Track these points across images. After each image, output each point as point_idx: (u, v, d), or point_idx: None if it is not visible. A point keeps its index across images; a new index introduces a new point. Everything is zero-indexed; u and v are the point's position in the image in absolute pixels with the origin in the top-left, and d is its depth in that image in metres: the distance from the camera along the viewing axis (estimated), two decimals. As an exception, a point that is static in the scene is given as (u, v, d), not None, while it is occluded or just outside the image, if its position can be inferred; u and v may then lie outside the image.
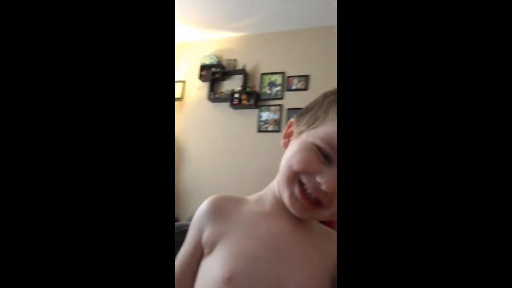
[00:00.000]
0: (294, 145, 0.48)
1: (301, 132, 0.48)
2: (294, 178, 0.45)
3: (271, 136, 2.88)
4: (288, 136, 0.52)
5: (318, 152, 0.44)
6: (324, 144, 0.43)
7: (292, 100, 2.90)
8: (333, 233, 0.56)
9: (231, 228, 0.47)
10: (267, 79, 3.03)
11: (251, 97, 2.94)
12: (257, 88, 3.03)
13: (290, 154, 0.47)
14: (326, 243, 0.51)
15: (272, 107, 2.94)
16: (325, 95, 0.49)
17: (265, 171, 2.68)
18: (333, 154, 0.43)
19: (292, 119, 0.52)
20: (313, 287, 0.44)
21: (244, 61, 3.12)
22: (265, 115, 2.94)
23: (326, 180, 0.42)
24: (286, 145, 0.51)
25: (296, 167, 0.45)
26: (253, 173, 2.82)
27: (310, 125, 0.47)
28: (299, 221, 0.49)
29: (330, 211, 0.45)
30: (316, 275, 0.45)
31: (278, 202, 0.49)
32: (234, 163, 2.96)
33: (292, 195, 0.46)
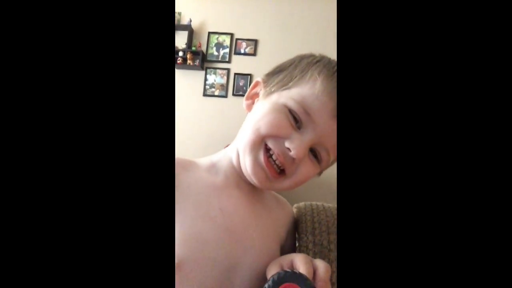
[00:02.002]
0: (263, 106, 0.44)
1: (271, 93, 0.45)
2: (260, 143, 0.43)
3: (217, 101, 2.79)
4: (252, 97, 0.49)
5: (289, 115, 0.42)
6: (297, 106, 0.41)
7: (240, 64, 2.81)
8: (285, 202, 0.58)
9: (180, 202, 0.41)
10: (215, 39, 2.86)
11: (197, 57, 2.77)
12: (203, 48, 2.85)
13: (258, 116, 0.44)
14: (281, 212, 0.52)
15: (219, 71, 2.81)
16: (302, 57, 0.47)
17: (210, 137, 2.63)
18: (305, 119, 0.41)
19: (258, 79, 0.49)
20: (265, 263, 0.42)
21: (190, 16, 2.88)
22: (212, 78, 2.82)
23: (295, 146, 0.40)
24: (249, 107, 0.48)
25: (264, 130, 0.42)
26: (197, 139, 2.75)
27: (283, 85, 0.44)
28: (254, 193, 0.47)
29: (291, 181, 0.44)
30: (268, 251, 0.44)
31: (234, 172, 0.46)
32: (177, 128, 2.83)
33: (256, 162, 0.43)
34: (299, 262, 0.38)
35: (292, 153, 0.40)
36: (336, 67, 0.44)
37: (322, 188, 1.76)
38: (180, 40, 2.88)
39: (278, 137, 0.41)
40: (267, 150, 0.42)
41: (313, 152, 0.43)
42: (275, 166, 0.42)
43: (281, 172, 0.43)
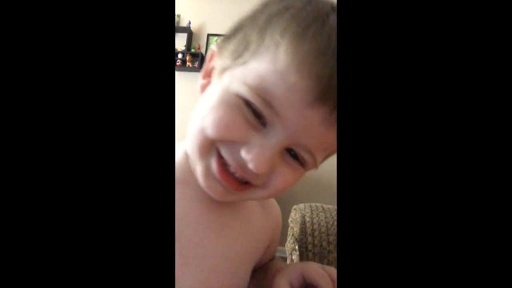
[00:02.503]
0: (211, 94, 0.31)
1: (223, 70, 0.31)
2: (210, 148, 0.30)
3: (216, 103, 2.78)
4: (209, 74, 0.34)
5: (245, 108, 0.28)
6: (253, 95, 0.27)
7: (239, 66, 2.81)
8: (272, 204, 0.46)
9: None
10: (214, 41, 2.86)
11: (196, 59, 2.76)
12: (202, 50, 2.85)
13: (204, 109, 0.30)
14: (263, 220, 0.42)
15: (218, 73, 2.81)
16: (266, 3, 0.31)
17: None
18: (268, 112, 0.28)
19: (213, 46, 0.34)
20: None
21: (189, 18, 2.88)
22: (211, 80, 2.82)
23: (253, 157, 0.28)
24: (204, 88, 0.33)
25: (210, 132, 0.29)
26: (196, 141, 2.74)
27: (237, 57, 0.30)
28: (221, 204, 0.35)
29: (266, 192, 0.32)
30: (231, 275, 0.35)
31: (190, 177, 0.34)
32: (177, 130, 2.82)
33: (207, 172, 0.31)
34: (317, 276, 0.34)
35: (250, 166, 0.28)
36: (313, 16, 0.28)
37: (322, 188, 1.76)
38: (179, 42, 2.88)
39: (231, 142, 0.29)
40: (221, 156, 0.30)
41: (292, 152, 0.30)
42: (236, 176, 0.30)
43: (248, 185, 0.31)
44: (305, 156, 0.30)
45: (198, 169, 0.32)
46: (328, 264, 0.74)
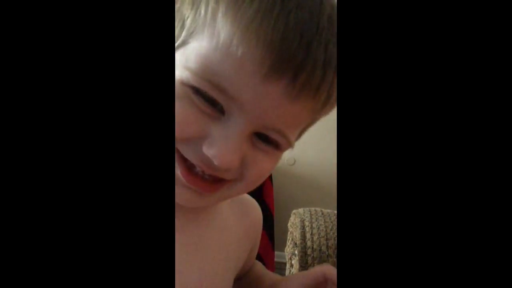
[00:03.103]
0: None
1: None
2: None
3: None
4: None
5: (195, 98, 0.24)
6: (200, 80, 0.24)
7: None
8: (251, 204, 0.43)
9: None
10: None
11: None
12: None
13: None
14: (243, 224, 0.39)
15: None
16: None
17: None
18: (221, 97, 0.24)
19: None
20: None
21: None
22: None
23: (215, 152, 0.25)
24: None
25: None
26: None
27: (177, 36, 0.26)
28: (191, 212, 0.33)
29: (243, 185, 0.29)
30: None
31: None
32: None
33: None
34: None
35: (215, 162, 0.25)
36: None
37: (321, 193, 1.76)
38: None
39: (191, 140, 0.26)
40: (185, 159, 0.27)
41: (261, 135, 0.27)
42: (206, 176, 0.28)
43: (222, 181, 0.29)
44: (276, 137, 0.27)
45: None
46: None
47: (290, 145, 0.29)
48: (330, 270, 0.35)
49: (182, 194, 0.28)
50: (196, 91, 0.24)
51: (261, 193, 1.35)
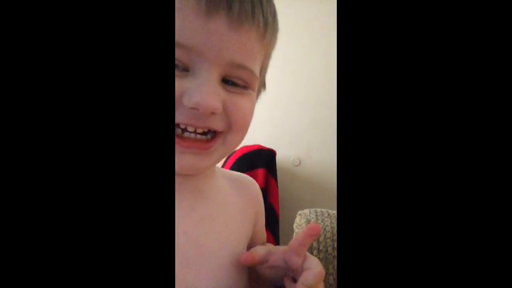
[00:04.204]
0: None
1: None
2: None
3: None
4: None
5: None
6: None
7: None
8: (246, 181, 0.45)
9: None
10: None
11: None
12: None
13: None
14: (241, 201, 0.41)
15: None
16: None
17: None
18: (180, 54, 0.27)
19: None
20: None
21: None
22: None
23: (198, 96, 0.27)
24: None
25: None
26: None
27: None
28: (188, 198, 0.35)
29: (236, 131, 0.32)
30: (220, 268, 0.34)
31: None
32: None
33: None
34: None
35: (201, 108, 0.27)
36: None
37: (327, 193, 1.75)
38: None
39: None
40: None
41: (230, 82, 0.31)
42: (198, 136, 0.30)
43: (214, 136, 0.31)
44: (243, 75, 0.30)
45: None
46: (333, 270, 0.74)
47: (256, 77, 0.32)
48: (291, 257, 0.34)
49: (183, 161, 0.30)
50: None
51: (266, 194, 1.35)
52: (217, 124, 0.30)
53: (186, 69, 0.29)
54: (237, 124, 0.31)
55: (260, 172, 1.37)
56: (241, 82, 0.31)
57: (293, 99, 1.76)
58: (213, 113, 0.29)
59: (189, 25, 0.27)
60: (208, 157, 0.31)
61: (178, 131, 0.29)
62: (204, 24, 0.27)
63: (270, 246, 0.38)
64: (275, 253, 0.36)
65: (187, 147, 0.30)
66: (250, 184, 0.46)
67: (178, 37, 0.26)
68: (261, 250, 0.36)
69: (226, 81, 0.30)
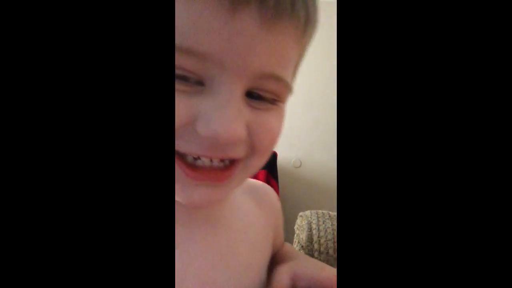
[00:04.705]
0: None
1: None
2: None
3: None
4: None
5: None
6: (178, 57, 0.20)
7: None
8: (266, 192, 0.41)
9: None
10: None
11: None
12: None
13: None
14: (262, 217, 0.37)
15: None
16: None
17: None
18: (194, 63, 0.21)
19: None
20: None
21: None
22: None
23: (215, 124, 0.21)
24: None
25: None
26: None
27: None
28: (207, 225, 0.31)
29: (260, 154, 0.26)
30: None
31: None
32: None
33: (178, 182, 0.24)
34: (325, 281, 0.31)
35: (220, 138, 0.21)
36: None
37: (328, 195, 1.75)
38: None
39: (180, 129, 0.22)
40: (181, 156, 0.23)
41: (255, 94, 0.24)
42: (214, 164, 0.24)
43: (233, 161, 0.25)
44: (273, 87, 0.23)
45: None
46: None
47: (288, 88, 0.25)
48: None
49: (195, 194, 0.24)
50: None
51: (267, 196, 1.35)
52: (238, 152, 0.24)
53: (200, 83, 0.22)
54: (262, 147, 0.25)
55: (261, 173, 1.38)
56: (270, 95, 0.24)
57: (295, 101, 1.76)
58: (235, 142, 0.23)
59: (205, 26, 0.20)
60: (226, 186, 0.26)
61: (188, 159, 0.23)
62: (227, 24, 0.20)
63: (292, 265, 0.35)
64: (301, 278, 0.32)
65: (201, 179, 0.24)
66: (268, 193, 0.41)
67: (190, 41, 0.20)
68: (286, 279, 0.32)
69: (251, 94, 0.23)
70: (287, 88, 0.25)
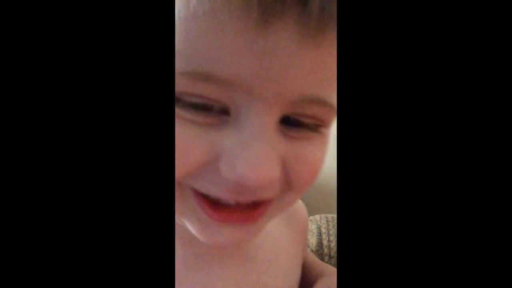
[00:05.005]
0: None
1: None
2: (181, 194, 0.20)
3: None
4: None
5: (181, 110, 0.18)
6: (181, 81, 0.17)
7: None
8: (298, 207, 0.37)
9: None
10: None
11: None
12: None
13: None
14: (293, 234, 0.34)
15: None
16: None
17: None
18: (218, 89, 0.17)
19: None
20: None
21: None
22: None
23: (243, 167, 0.17)
24: None
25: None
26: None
27: None
28: (243, 249, 0.29)
29: (297, 190, 0.22)
30: None
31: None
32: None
33: (200, 225, 0.21)
34: None
35: (247, 183, 0.17)
36: None
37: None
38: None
39: (200, 168, 0.19)
40: (204, 195, 0.20)
41: (291, 119, 0.20)
42: (240, 207, 0.21)
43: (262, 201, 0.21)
44: (313, 110, 0.19)
45: (190, 227, 0.21)
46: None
47: (334, 110, 0.20)
48: None
49: (219, 236, 0.21)
50: (177, 100, 0.17)
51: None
52: (271, 192, 0.21)
53: (225, 111, 0.18)
54: (301, 183, 0.21)
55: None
56: (311, 120, 0.20)
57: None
58: (267, 187, 0.20)
59: (227, 45, 0.16)
60: (255, 227, 0.22)
61: (210, 197, 0.20)
62: (256, 41, 0.16)
63: (326, 281, 0.33)
64: None
65: (225, 221, 0.20)
66: (297, 208, 0.37)
67: (210, 65, 0.16)
68: None
69: (288, 120, 0.19)
70: (332, 110, 0.20)
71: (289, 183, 0.21)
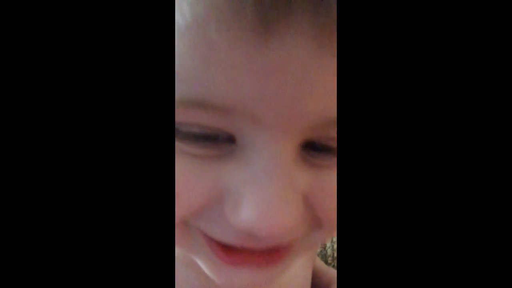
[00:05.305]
0: None
1: None
2: (188, 234, 0.18)
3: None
4: None
5: (180, 142, 0.15)
6: (179, 109, 0.14)
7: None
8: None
9: None
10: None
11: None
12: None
13: None
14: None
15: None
16: None
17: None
18: (220, 116, 0.14)
19: None
20: None
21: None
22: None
23: (251, 212, 0.14)
24: None
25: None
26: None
27: None
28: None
29: (324, 228, 0.19)
30: None
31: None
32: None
33: (213, 266, 0.19)
34: None
35: (256, 232, 0.15)
36: None
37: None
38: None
39: (205, 208, 0.16)
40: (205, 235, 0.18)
41: (314, 144, 0.16)
42: (257, 249, 0.19)
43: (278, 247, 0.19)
44: (326, 142, 0.16)
45: (204, 269, 0.19)
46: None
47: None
48: None
49: (235, 279, 0.18)
50: (178, 132, 0.15)
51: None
52: (290, 237, 0.18)
53: (231, 140, 0.15)
54: (331, 220, 0.17)
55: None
56: (336, 143, 0.16)
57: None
58: (283, 237, 0.17)
59: (222, 64, 0.13)
60: (277, 270, 0.19)
61: (208, 237, 0.18)
62: (258, 54, 0.13)
63: None
64: None
65: (240, 265, 0.18)
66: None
67: (203, 91, 0.13)
68: None
69: (311, 145, 0.16)
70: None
71: (317, 220, 0.17)
